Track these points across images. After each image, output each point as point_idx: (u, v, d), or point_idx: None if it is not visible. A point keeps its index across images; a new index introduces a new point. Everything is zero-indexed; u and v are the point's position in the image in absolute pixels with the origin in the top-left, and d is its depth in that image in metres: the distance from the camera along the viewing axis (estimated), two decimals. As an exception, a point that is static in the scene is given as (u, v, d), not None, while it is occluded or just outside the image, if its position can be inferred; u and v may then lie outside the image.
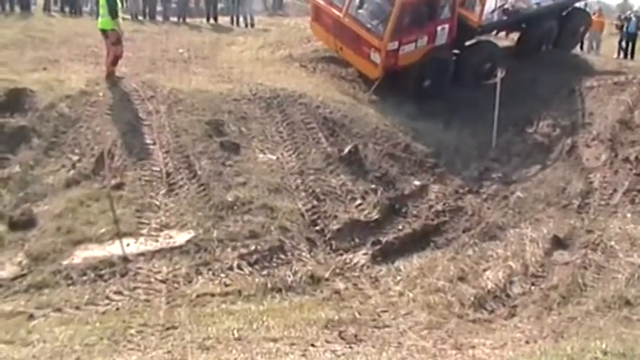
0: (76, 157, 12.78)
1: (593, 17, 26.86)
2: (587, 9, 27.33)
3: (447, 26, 18.70)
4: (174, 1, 29.36)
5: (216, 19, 28.04)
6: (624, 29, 26.07)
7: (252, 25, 27.68)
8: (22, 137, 13.09)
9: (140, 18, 27.26)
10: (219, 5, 30.10)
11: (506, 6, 20.17)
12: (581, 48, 26.44)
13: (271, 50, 20.67)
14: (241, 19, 28.50)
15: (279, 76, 17.73)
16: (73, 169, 12.48)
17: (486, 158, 15.86)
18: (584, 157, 15.83)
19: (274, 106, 15.43)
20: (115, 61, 15.64)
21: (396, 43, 17.77)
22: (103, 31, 15.55)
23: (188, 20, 27.79)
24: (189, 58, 19.90)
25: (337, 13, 18.45)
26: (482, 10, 19.25)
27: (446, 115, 17.55)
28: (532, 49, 21.42)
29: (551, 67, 19.97)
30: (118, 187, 12.03)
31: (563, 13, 22.20)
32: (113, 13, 15.16)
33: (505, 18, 20.48)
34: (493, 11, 20.15)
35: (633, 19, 26.08)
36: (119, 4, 15.61)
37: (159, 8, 28.92)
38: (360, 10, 18.56)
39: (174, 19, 27.86)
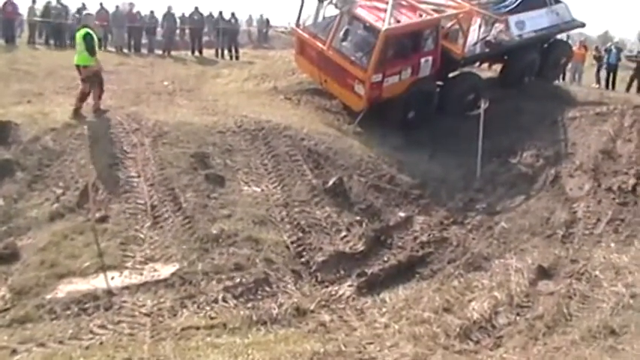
0: (60, 190, 12.78)
1: (575, 49, 27.32)
2: (569, 41, 27.82)
3: (430, 58, 18.86)
4: (160, 33, 29.57)
5: (201, 52, 28.29)
6: (605, 60, 26.48)
7: (238, 58, 27.97)
8: (6, 170, 13.11)
9: (125, 51, 27.46)
10: (205, 38, 30.37)
11: (488, 38, 20.38)
12: (564, 79, 26.83)
13: (256, 82, 20.84)
14: (226, 51, 28.74)
15: (264, 109, 17.84)
16: (58, 203, 12.47)
17: (471, 189, 15.90)
18: (568, 187, 15.92)
19: (259, 138, 15.49)
20: (82, 98, 15.65)
21: (380, 75, 17.85)
22: (77, 67, 15.67)
23: (173, 53, 28.08)
24: (174, 90, 20.04)
25: (321, 45, 18.53)
26: (465, 42, 19.44)
27: (430, 146, 17.67)
28: (515, 80, 21.64)
29: (534, 98, 20.17)
30: (103, 220, 11.99)
31: (545, 45, 22.54)
32: (91, 50, 15.33)
33: (487, 50, 20.73)
34: (476, 43, 20.31)
35: (614, 50, 26.56)
36: (97, 42, 15.60)
37: (144, 41, 29.15)
38: (344, 43, 18.61)
39: (160, 51, 28.08)
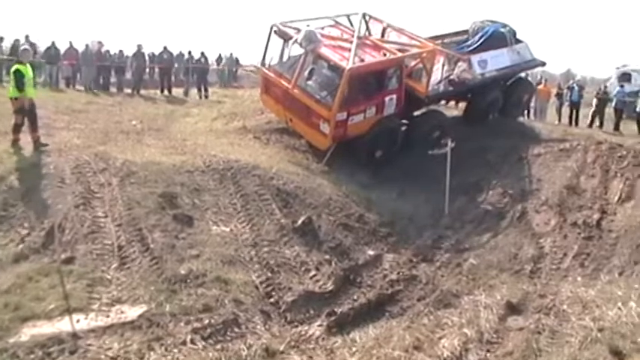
0: (25, 231, 12.54)
1: (539, 87, 27.79)
2: (531, 78, 28.28)
3: (394, 96, 19.03)
4: (129, 72, 29.50)
5: (170, 91, 28.25)
6: (568, 97, 26.92)
7: (207, 97, 27.95)
8: (-31, 210, 12.82)
9: (94, 89, 27.31)
10: (174, 77, 30.36)
11: (452, 77, 20.70)
12: (528, 116, 27.22)
13: (225, 122, 20.79)
14: (196, 90, 28.75)
15: (232, 148, 17.79)
16: (22, 244, 12.22)
17: (439, 226, 15.94)
18: (535, 222, 16.07)
19: (228, 177, 15.40)
20: (15, 129, 15.80)
21: (345, 114, 17.99)
22: (10, 99, 15.86)
23: (142, 92, 27.95)
24: (143, 129, 19.92)
25: (286, 84, 18.62)
26: (429, 81, 19.69)
27: (399, 183, 17.72)
28: (479, 118, 21.93)
29: (499, 135, 20.43)
30: (69, 261, 11.72)
31: (507, 83, 22.91)
32: (18, 84, 15.48)
33: (451, 88, 21.01)
34: (439, 82, 20.59)
35: (576, 87, 27.05)
36: (27, 75, 15.62)
37: (113, 79, 29.05)
38: (309, 82, 18.70)
39: (128, 90, 27.96)
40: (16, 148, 15.60)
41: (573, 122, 26.19)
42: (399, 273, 13.67)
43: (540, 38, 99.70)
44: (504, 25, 22.70)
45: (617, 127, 24.85)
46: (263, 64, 20.28)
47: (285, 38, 19.71)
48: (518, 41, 22.76)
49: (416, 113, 20.51)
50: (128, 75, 29.89)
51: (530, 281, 13.78)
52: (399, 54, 19.27)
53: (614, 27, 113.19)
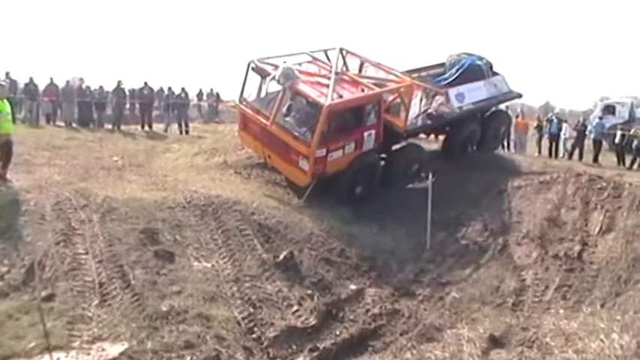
0: (5, 269, 12.39)
1: (518, 119, 28.07)
2: (510, 111, 28.57)
3: (373, 132, 19.00)
4: (109, 107, 29.46)
5: (150, 126, 28.22)
6: (547, 130, 27.22)
7: (187, 132, 27.96)
8: (-50, 248, 12.74)
9: (74, 125, 27.26)
10: (155, 112, 30.35)
11: (430, 110, 20.78)
12: (508, 148, 27.46)
13: (206, 157, 20.81)
14: (176, 126, 28.75)
15: (214, 183, 17.84)
16: (2, 281, 12.07)
17: (421, 260, 15.97)
18: (516, 255, 16.16)
19: (209, 213, 15.40)
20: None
21: (324, 150, 17.95)
22: None
23: (123, 127, 27.92)
24: (124, 165, 19.93)
25: (264, 121, 18.56)
26: (407, 116, 19.74)
27: (380, 218, 17.71)
28: (457, 151, 22.07)
29: (480, 168, 20.58)
30: (49, 298, 11.64)
31: (485, 116, 23.10)
32: None
33: (429, 122, 21.08)
34: (418, 116, 20.64)
35: (555, 120, 27.33)
36: (4, 110, 15.73)
37: (93, 115, 29.01)
38: (287, 118, 18.65)
39: (109, 126, 27.93)
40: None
41: (553, 154, 26.43)
42: (381, 307, 13.71)
43: (519, 71, 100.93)
44: (480, 58, 22.86)
45: (596, 159, 25.14)
46: (241, 100, 20.09)
47: (263, 75, 19.55)
48: (494, 74, 22.95)
49: (394, 147, 20.54)
50: (109, 111, 29.79)
51: (512, 314, 13.84)
52: (377, 89, 19.33)
53: (591, 60, 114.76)
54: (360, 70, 21.20)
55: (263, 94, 19.62)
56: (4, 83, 18.07)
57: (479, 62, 22.55)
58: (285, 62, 19.11)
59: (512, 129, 27.86)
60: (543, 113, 37.90)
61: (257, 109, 19.15)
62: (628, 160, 24.48)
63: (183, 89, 31.55)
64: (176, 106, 29.94)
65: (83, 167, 19.06)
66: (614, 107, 35.83)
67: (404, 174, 20.04)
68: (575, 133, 26.61)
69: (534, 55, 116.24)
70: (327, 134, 17.82)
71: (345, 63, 20.77)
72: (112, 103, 29.35)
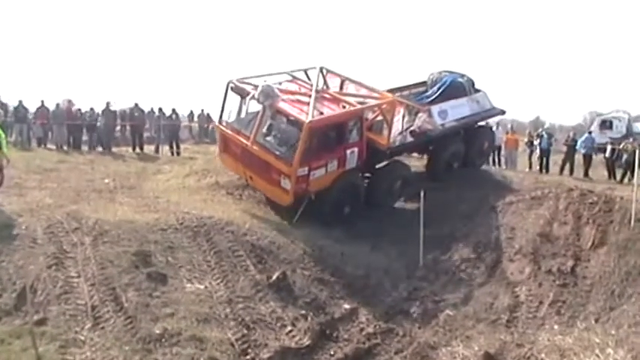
0: (-4, 293, 12.41)
1: (508, 135, 28.16)
2: (501, 127, 28.70)
3: (356, 149, 18.91)
4: (99, 129, 29.35)
5: (142, 148, 28.15)
6: (538, 145, 27.29)
7: (179, 154, 27.93)
8: (-59, 272, 12.69)
9: (65, 148, 27.23)
10: (145, 134, 30.31)
11: (412, 128, 20.74)
12: (499, 164, 27.55)
13: (198, 178, 20.76)
14: (167, 147, 28.71)
15: (205, 204, 17.82)
16: (-6, 305, 12.08)
17: (414, 278, 15.98)
18: (509, 271, 16.19)
19: (201, 234, 15.36)
20: None
21: (306, 169, 17.78)
22: None
23: (114, 149, 27.87)
24: (115, 187, 19.90)
25: (245, 141, 18.41)
26: (389, 133, 19.65)
27: (372, 236, 17.73)
28: (442, 169, 22.01)
29: (471, 185, 20.64)
30: (41, 322, 11.62)
31: (468, 133, 23.08)
32: None
33: (412, 139, 20.99)
34: (400, 133, 20.58)
35: (545, 135, 27.39)
36: (2, 135, 15.63)
37: (84, 138, 28.96)
38: (268, 138, 18.52)
39: (100, 148, 27.89)
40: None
41: (544, 169, 26.51)
42: (375, 326, 13.69)
43: (509, 87, 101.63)
44: (462, 75, 23.02)
45: (586, 174, 25.22)
46: (220, 121, 19.98)
47: (243, 95, 19.37)
48: (476, 90, 23.09)
49: (379, 166, 20.42)
50: (100, 133, 29.70)
51: (507, 331, 13.87)
52: (359, 106, 19.25)
53: (580, 75, 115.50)
54: (341, 89, 21.07)
55: (243, 115, 19.47)
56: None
57: (460, 79, 22.74)
58: (265, 81, 18.91)
59: (502, 145, 28.04)
60: (533, 128, 38.04)
61: (237, 130, 18.97)
62: (618, 174, 24.56)
63: (173, 110, 31.58)
64: (167, 128, 29.92)
65: (74, 190, 19.02)
66: (611, 122, 36.12)
67: (389, 192, 20.00)
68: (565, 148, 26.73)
69: (524, 71, 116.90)
70: (308, 152, 17.63)
71: (325, 82, 20.54)
72: (101, 124, 29.24)
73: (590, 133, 28.35)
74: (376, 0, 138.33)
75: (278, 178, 17.84)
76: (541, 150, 27.10)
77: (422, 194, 16.87)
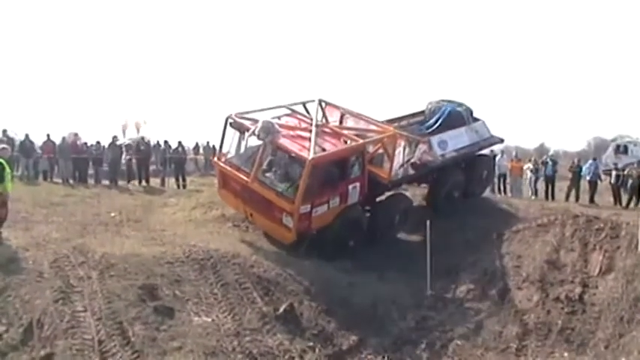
0: (3, 328, 12.31)
1: (513, 163, 28.18)
2: (505, 155, 28.73)
3: (358, 184, 18.75)
4: (106, 163, 29.45)
5: (147, 181, 28.19)
6: (543, 172, 27.31)
7: (185, 187, 27.97)
8: (-51, 307, 12.71)
9: (71, 181, 27.31)
10: (151, 167, 30.37)
11: (413, 160, 20.53)
12: (505, 192, 27.53)
13: (204, 211, 20.72)
14: (173, 180, 28.78)
15: (212, 237, 17.79)
16: (0, 340, 12.00)
17: (422, 307, 15.87)
18: (517, 299, 16.13)
19: (208, 267, 15.29)
20: None
21: (308, 206, 17.47)
22: None
23: (120, 182, 27.93)
24: (122, 221, 19.89)
25: (245, 178, 18.05)
26: (391, 166, 19.44)
27: (379, 267, 17.60)
28: (443, 200, 21.69)
29: (477, 214, 20.65)
30: (48, 357, 11.59)
31: (468, 162, 22.89)
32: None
33: (413, 171, 20.77)
34: (401, 165, 20.32)
35: (549, 162, 27.42)
36: (7, 169, 15.63)
37: (90, 171, 29.05)
38: (269, 174, 18.24)
39: (106, 182, 27.96)
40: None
41: (550, 196, 26.48)
42: (383, 357, 13.61)
43: (513, 114, 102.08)
44: (460, 104, 22.93)
45: (592, 200, 25.20)
46: (219, 157, 19.63)
47: (242, 130, 18.93)
48: (475, 119, 23.01)
49: (380, 198, 20.30)
50: (105, 166, 29.81)
51: (516, 359, 13.73)
52: (360, 140, 19.15)
53: (583, 101, 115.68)
54: (341, 122, 20.93)
55: (242, 150, 19.11)
56: (6, 146, 18.08)
57: (459, 109, 22.63)
58: (265, 117, 18.68)
59: (507, 172, 28.02)
60: (538, 155, 38.10)
61: (237, 166, 18.65)
62: (624, 199, 24.53)
63: (179, 143, 31.64)
64: (173, 161, 29.97)
65: (81, 223, 19.03)
66: (626, 147, 36.18)
67: (390, 225, 19.79)
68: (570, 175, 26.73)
69: (528, 98, 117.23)
70: (311, 189, 17.31)
71: (324, 115, 20.43)
72: (107, 159, 29.34)
73: (594, 159, 28.39)
74: (374, 27, 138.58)
75: (280, 216, 17.58)
76: (546, 177, 27.12)
77: (428, 224, 16.79)
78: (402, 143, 20.34)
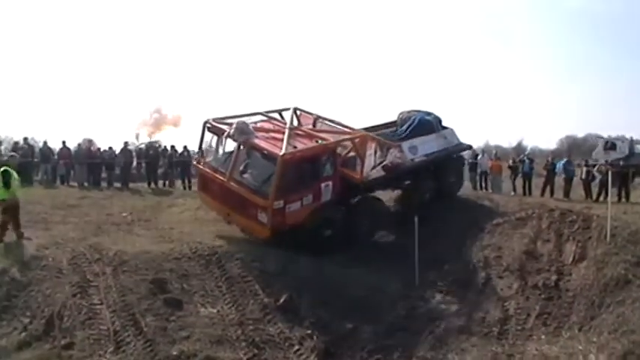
0: (27, 320, 12.54)
1: (493, 161, 28.24)
2: (486, 154, 28.82)
3: (330, 183, 18.43)
4: (118, 167, 29.47)
5: (156, 184, 28.23)
6: (521, 169, 27.38)
7: (190, 188, 27.96)
8: (-24, 302, 12.79)
9: (86, 185, 27.34)
10: (160, 170, 30.41)
11: (385, 162, 20.31)
12: (486, 188, 27.60)
13: (208, 210, 20.69)
14: (180, 182, 28.84)
15: (216, 235, 17.79)
16: (25, 331, 12.22)
17: (411, 297, 15.82)
18: (499, 287, 16.19)
19: (213, 262, 15.40)
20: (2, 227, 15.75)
21: (282, 202, 17.18)
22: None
23: (130, 185, 27.96)
24: (133, 221, 19.95)
25: (221, 177, 17.95)
26: (362, 167, 19.20)
27: (372, 260, 17.53)
28: (416, 201, 21.31)
29: (460, 209, 20.77)
30: (68, 347, 11.74)
31: (438, 167, 22.53)
32: (6, 185, 15.56)
33: (385, 173, 20.29)
34: (373, 168, 20.08)
35: (527, 160, 27.53)
36: (13, 176, 15.72)
37: (103, 175, 29.10)
38: (244, 173, 17.99)
39: (118, 184, 27.99)
40: (19, 242, 15.62)
41: (527, 192, 26.54)
42: (376, 343, 13.60)
43: (492, 115, 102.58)
44: (429, 114, 22.82)
45: (567, 195, 25.27)
46: (199, 160, 19.55)
47: (219, 133, 18.83)
48: (444, 128, 22.92)
49: (355, 201, 19.73)
50: (118, 170, 29.83)
51: (498, 343, 13.87)
52: (331, 139, 19.06)
53: (556, 101, 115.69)
54: (314, 127, 20.63)
55: (220, 153, 19.02)
56: (14, 154, 18.07)
57: (428, 117, 22.56)
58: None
59: (488, 170, 28.08)
60: (516, 154, 38.20)
61: (214, 168, 18.60)
62: (594, 194, 24.61)
63: (185, 147, 31.62)
64: (179, 164, 29.97)
65: (95, 224, 19.08)
66: (614, 143, 36.28)
67: (363, 227, 19.12)
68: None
69: (506, 99, 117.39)
70: (284, 185, 17.07)
71: (299, 121, 20.30)
72: (120, 163, 29.37)
73: (569, 156, 28.54)
74: (344, 40, 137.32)
75: (255, 213, 17.29)
76: (523, 174, 27.18)
77: (416, 219, 16.79)
78: (373, 146, 20.25)
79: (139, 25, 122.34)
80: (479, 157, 29.25)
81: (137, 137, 32.89)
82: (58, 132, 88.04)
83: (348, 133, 19.76)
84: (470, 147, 24.93)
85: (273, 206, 16.94)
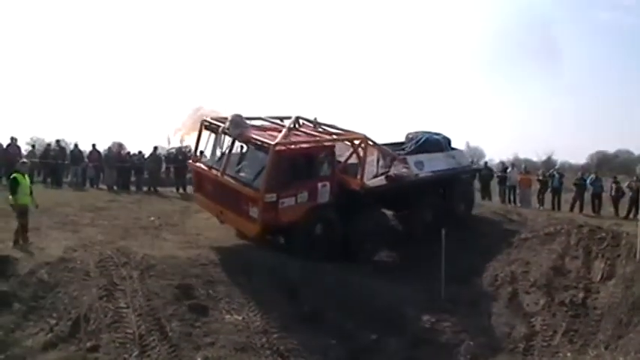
0: (53, 321, 12.60)
1: (522, 175, 28.05)
2: (515, 169, 28.62)
3: (327, 184, 17.78)
4: (147, 172, 29.63)
5: (185, 189, 28.34)
6: (550, 184, 27.15)
7: (219, 194, 28.04)
8: (4, 302, 12.95)
9: (115, 188, 27.57)
10: (188, 175, 30.54)
11: (389, 173, 19.72)
12: (515, 202, 27.41)
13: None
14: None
15: (243, 241, 17.82)
16: (51, 333, 12.27)
17: (437, 309, 15.69)
18: (525, 302, 16.06)
19: (239, 269, 15.39)
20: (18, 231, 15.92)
21: (274, 195, 16.53)
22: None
23: (159, 189, 28.11)
24: (160, 225, 20.02)
25: (215, 174, 17.60)
26: (363, 172, 18.66)
27: (397, 271, 17.60)
28: (420, 224, 20.53)
29: (488, 222, 20.61)
30: (94, 349, 11.76)
31: (447, 189, 22.05)
32: (12, 191, 15.90)
33: (387, 183, 19.50)
34: (376, 176, 19.59)
35: (556, 175, 27.29)
36: (22, 183, 15.97)
37: (132, 179, 29.32)
38: (238, 168, 17.46)
39: (146, 188, 28.17)
40: (45, 245, 15.80)
41: (556, 207, 26.33)
42: (400, 355, 13.53)
43: (521, 128, 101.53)
44: (437, 134, 22.40)
45: (594, 210, 25.05)
46: (194, 159, 19.33)
47: (216, 131, 18.28)
48: (453, 148, 22.62)
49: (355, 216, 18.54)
50: (146, 175, 30.02)
51: (523, 359, 13.75)
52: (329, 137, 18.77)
53: (587, 117, 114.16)
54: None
55: (217, 152, 18.48)
56: (26, 161, 18.21)
57: (436, 137, 22.13)
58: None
59: (517, 184, 27.90)
60: (546, 168, 37.94)
61: (210, 166, 18.22)
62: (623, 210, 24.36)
63: (214, 153, 31.73)
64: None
65: (123, 227, 19.19)
66: None
67: (367, 244, 18.59)
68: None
69: (536, 115, 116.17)
70: (277, 179, 16.51)
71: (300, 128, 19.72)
72: (148, 167, 29.54)
73: (596, 173, 28.32)
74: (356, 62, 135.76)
75: (247, 208, 16.70)
76: (553, 189, 26.97)
77: (443, 232, 16.65)
78: (376, 154, 19.92)
79: (178, 32, 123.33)
80: (508, 171, 29.06)
81: (168, 141, 32.96)
82: (89, 135, 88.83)
83: (348, 137, 19.30)
84: (480, 169, 24.56)
85: (264, 199, 16.37)
